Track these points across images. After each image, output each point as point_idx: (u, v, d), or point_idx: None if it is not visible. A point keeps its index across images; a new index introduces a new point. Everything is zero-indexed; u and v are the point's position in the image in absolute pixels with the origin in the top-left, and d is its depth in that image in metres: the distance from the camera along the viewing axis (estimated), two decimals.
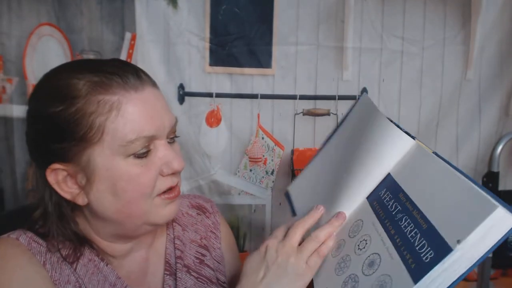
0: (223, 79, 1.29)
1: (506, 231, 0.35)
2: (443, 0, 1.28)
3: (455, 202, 0.41)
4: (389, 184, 0.54)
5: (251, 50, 1.27)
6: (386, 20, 1.28)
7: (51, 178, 0.56)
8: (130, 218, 0.58)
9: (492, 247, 0.36)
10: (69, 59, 1.26)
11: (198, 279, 0.69)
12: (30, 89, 1.27)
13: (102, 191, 0.56)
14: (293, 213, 0.72)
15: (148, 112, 0.56)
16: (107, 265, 0.60)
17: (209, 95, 1.29)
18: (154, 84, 0.60)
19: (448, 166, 0.46)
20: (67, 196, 0.57)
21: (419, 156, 0.52)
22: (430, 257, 0.39)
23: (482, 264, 1.27)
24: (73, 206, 0.59)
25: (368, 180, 0.57)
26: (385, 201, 0.52)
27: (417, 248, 0.41)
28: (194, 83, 1.28)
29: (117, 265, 0.63)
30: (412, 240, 0.43)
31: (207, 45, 1.26)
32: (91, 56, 1.26)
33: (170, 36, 1.25)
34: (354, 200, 0.58)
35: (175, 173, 0.60)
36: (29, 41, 1.26)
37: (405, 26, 1.28)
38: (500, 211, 0.35)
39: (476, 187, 0.40)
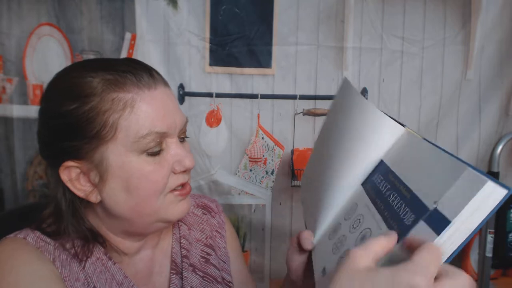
0: (223, 79, 1.29)
1: (496, 203, 0.38)
2: (443, 0, 1.28)
3: (429, 169, 0.45)
4: (382, 169, 0.56)
5: (251, 50, 1.27)
6: (386, 20, 1.28)
7: (64, 175, 0.56)
8: (143, 215, 0.59)
9: (485, 218, 0.38)
10: (69, 59, 1.26)
11: (204, 278, 0.69)
12: (30, 89, 1.27)
13: (115, 189, 0.56)
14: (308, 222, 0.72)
15: (161, 110, 0.57)
16: (114, 264, 0.61)
17: (209, 95, 1.29)
18: (166, 83, 0.61)
19: (438, 148, 0.49)
20: (81, 193, 0.57)
21: (409, 141, 0.55)
22: (411, 220, 0.42)
23: (482, 264, 1.27)
24: (85, 204, 0.59)
25: (361, 168, 0.59)
26: (377, 183, 0.55)
27: (401, 215, 0.45)
28: (194, 83, 1.29)
29: (124, 264, 0.63)
30: (398, 211, 0.46)
31: (207, 45, 1.26)
32: (91, 56, 1.26)
33: (170, 36, 1.26)
34: (348, 188, 0.60)
35: (186, 171, 0.61)
36: (29, 41, 1.26)
37: (405, 26, 1.29)
38: (490, 184, 0.37)
39: (451, 156, 0.43)
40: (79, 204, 0.59)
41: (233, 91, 1.30)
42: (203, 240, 0.73)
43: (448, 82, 1.31)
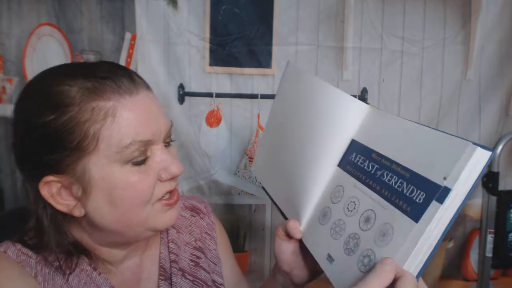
0: (223, 79, 1.29)
1: (484, 164, 0.43)
2: (443, 0, 1.28)
3: (429, 149, 0.47)
4: (357, 148, 0.57)
5: (251, 50, 1.27)
6: (386, 20, 1.28)
7: (44, 191, 0.53)
8: (130, 226, 0.56)
9: (476, 180, 0.43)
10: (69, 59, 1.26)
11: (194, 282, 0.68)
12: None
13: (99, 202, 0.54)
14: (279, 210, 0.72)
15: (144, 117, 0.54)
16: (99, 275, 0.59)
17: (209, 95, 1.29)
18: (148, 87, 0.58)
19: (411, 121, 0.52)
20: (63, 208, 0.54)
21: (380, 118, 0.56)
22: (423, 198, 0.45)
23: (482, 264, 1.27)
24: (69, 217, 0.57)
25: (332, 150, 0.59)
26: (359, 163, 0.56)
27: (407, 194, 0.47)
28: (194, 83, 1.29)
29: (111, 274, 0.61)
30: (400, 189, 0.48)
31: (207, 45, 1.26)
32: (91, 56, 1.26)
33: (170, 36, 1.25)
34: (324, 171, 0.60)
35: (173, 178, 0.58)
36: (29, 41, 1.26)
37: (405, 26, 1.28)
38: (480, 149, 0.42)
39: (445, 133, 0.47)
40: (61, 219, 0.56)
41: (233, 91, 1.30)
42: (192, 243, 0.72)
43: (448, 82, 1.31)
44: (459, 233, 1.38)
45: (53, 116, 0.51)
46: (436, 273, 1.35)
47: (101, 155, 0.52)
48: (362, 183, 0.54)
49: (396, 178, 0.49)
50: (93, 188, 0.53)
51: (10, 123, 0.57)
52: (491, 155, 0.43)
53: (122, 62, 1.24)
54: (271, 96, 1.30)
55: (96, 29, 1.25)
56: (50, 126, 0.52)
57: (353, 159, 0.57)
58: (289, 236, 0.63)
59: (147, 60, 1.24)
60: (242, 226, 1.35)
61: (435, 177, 0.44)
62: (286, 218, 0.67)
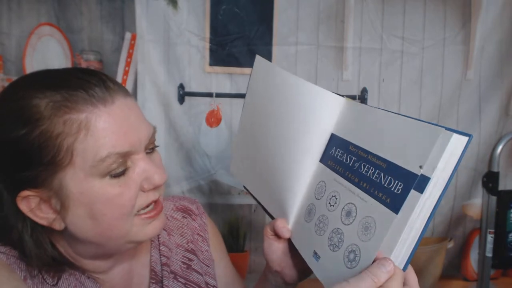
0: (223, 79, 1.29)
1: (462, 150, 0.42)
2: (443, 0, 1.28)
3: (403, 137, 0.46)
4: (337, 142, 0.57)
5: (251, 50, 1.27)
6: (386, 20, 1.28)
7: (23, 206, 0.52)
8: (112, 239, 0.54)
9: (456, 166, 0.42)
10: (69, 59, 1.26)
11: (186, 285, 0.66)
12: None
13: (79, 216, 0.52)
14: (264, 210, 0.72)
15: (121, 128, 0.51)
16: (89, 278, 0.57)
17: (209, 95, 1.29)
18: (125, 93, 0.55)
19: (387, 111, 0.51)
20: (43, 222, 0.53)
21: (356, 110, 0.56)
22: (401, 188, 0.44)
23: (482, 264, 1.27)
24: (50, 229, 0.54)
25: (313, 146, 0.59)
26: (338, 157, 0.56)
27: (385, 185, 0.46)
28: (194, 83, 1.28)
29: (100, 280, 0.60)
30: (378, 181, 0.48)
31: (207, 45, 1.26)
32: (91, 56, 1.26)
33: (170, 36, 1.25)
34: (307, 168, 0.59)
35: (156, 188, 0.56)
36: (29, 41, 1.26)
37: (405, 26, 1.28)
38: (456, 136, 0.41)
39: (419, 121, 0.46)
40: (41, 232, 0.54)
41: (233, 91, 1.30)
42: (184, 245, 0.70)
43: (448, 82, 1.31)
44: (459, 233, 1.38)
45: (24, 131, 0.49)
46: (436, 273, 1.35)
47: (77, 169, 0.50)
48: (342, 177, 0.53)
49: (374, 169, 0.49)
50: (72, 203, 0.51)
51: None
52: (469, 139, 0.42)
53: (122, 62, 1.24)
54: None
55: (96, 29, 1.25)
56: (21, 142, 0.49)
57: (333, 153, 0.57)
58: (277, 235, 0.63)
59: (147, 60, 1.24)
60: (242, 226, 1.35)
61: (411, 166, 0.44)
62: (273, 218, 0.66)
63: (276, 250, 0.64)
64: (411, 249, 0.45)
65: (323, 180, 0.57)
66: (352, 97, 1.30)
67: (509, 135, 1.24)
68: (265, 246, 0.65)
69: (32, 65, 1.27)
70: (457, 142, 0.42)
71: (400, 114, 0.49)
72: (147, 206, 0.56)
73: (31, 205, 0.52)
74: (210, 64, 1.28)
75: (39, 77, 0.55)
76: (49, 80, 0.53)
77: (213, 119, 1.30)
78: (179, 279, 0.66)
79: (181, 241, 0.71)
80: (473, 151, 1.34)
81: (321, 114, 0.58)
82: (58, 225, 0.53)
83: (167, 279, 0.64)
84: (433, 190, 0.43)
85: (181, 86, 1.28)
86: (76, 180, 0.50)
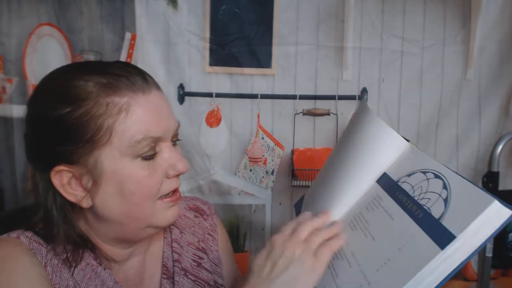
0: (223, 79, 1.29)
1: (501, 223, 0.39)
2: (443, 0, 1.28)
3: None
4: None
5: (251, 50, 1.27)
6: (386, 20, 1.28)
7: (56, 180, 0.55)
8: (135, 220, 0.58)
9: (489, 237, 0.39)
10: (69, 59, 1.26)
11: (196, 282, 0.68)
12: (30, 89, 1.27)
13: (109, 194, 0.55)
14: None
15: (156, 115, 0.56)
16: (104, 270, 0.59)
17: (209, 95, 1.29)
18: (159, 87, 0.60)
19: (444, 166, 0.50)
20: (72, 198, 0.56)
21: (413, 156, 0.56)
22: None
23: (482, 264, 1.27)
24: (76, 209, 0.58)
25: (364, 178, 0.59)
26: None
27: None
28: (194, 83, 1.29)
29: (115, 270, 0.62)
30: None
31: (207, 45, 1.26)
32: (91, 56, 1.26)
33: (170, 36, 1.26)
34: (351, 197, 0.59)
35: (178, 175, 0.60)
36: (29, 41, 1.26)
37: (405, 26, 1.29)
38: (497, 204, 0.39)
39: (470, 183, 0.44)
40: (69, 209, 0.57)
41: (233, 91, 1.30)
42: (195, 244, 0.72)
43: (448, 82, 1.31)
44: None
45: (69, 109, 0.53)
46: None
47: (113, 148, 0.54)
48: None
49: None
50: (104, 180, 0.55)
51: (24, 118, 0.58)
52: (511, 215, 0.39)
53: None
54: (271, 96, 1.30)
55: (96, 29, 1.26)
56: (65, 119, 0.53)
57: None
58: None
59: (147, 60, 1.24)
60: (242, 226, 1.35)
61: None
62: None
63: None
64: None
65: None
66: (352, 97, 1.30)
67: (509, 135, 1.24)
68: None
69: (32, 65, 1.27)
70: (498, 212, 0.39)
71: (456, 173, 0.47)
72: (168, 193, 0.59)
73: (63, 180, 0.55)
74: (210, 64, 1.28)
75: (85, 64, 0.60)
76: (94, 66, 0.57)
77: (213, 119, 1.30)
78: (189, 276, 0.68)
79: (193, 239, 0.73)
80: (473, 151, 1.34)
81: (381, 152, 0.59)
82: (86, 203, 0.56)
83: (178, 275, 0.66)
84: (456, 251, 0.40)
85: (181, 86, 1.28)
86: (111, 159, 0.54)
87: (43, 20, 1.26)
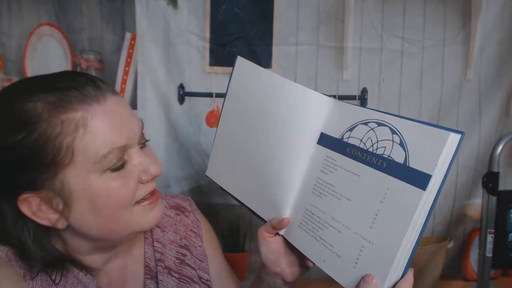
0: (223, 79, 1.29)
1: (455, 147, 0.44)
2: (443, 0, 1.28)
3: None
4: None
5: (251, 50, 1.27)
6: (386, 20, 1.28)
7: (24, 208, 0.52)
8: (114, 232, 0.56)
9: (451, 163, 0.45)
10: (69, 59, 1.26)
11: (180, 280, 0.68)
12: None
13: (82, 212, 0.53)
14: (252, 212, 0.72)
15: (116, 123, 0.54)
16: (86, 275, 0.58)
17: (209, 95, 1.29)
18: (113, 91, 0.57)
19: (372, 109, 0.53)
20: (46, 222, 0.54)
21: (343, 110, 0.58)
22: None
23: (482, 264, 1.27)
24: (50, 230, 0.56)
25: (304, 146, 0.59)
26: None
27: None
28: (194, 83, 1.29)
29: (97, 275, 0.61)
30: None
31: (207, 45, 1.26)
32: (91, 56, 1.26)
33: (170, 36, 1.25)
34: (298, 167, 0.60)
35: (153, 178, 0.59)
36: (29, 41, 1.26)
37: (405, 26, 1.28)
38: (453, 135, 0.43)
39: (414, 121, 0.48)
40: (44, 234, 0.55)
41: None
42: (178, 241, 0.72)
43: (448, 82, 1.31)
44: (459, 233, 1.38)
45: (22, 135, 0.50)
46: (436, 273, 1.35)
47: (78, 166, 0.51)
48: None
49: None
50: (75, 200, 0.53)
51: None
52: (462, 136, 0.44)
53: (122, 62, 1.24)
54: None
55: (96, 29, 1.25)
56: (20, 146, 0.50)
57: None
58: (275, 233, 0.64)
59: (147, 60, 1.24)
60: (242, 226, 1.35)
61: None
62: (262, 219, 0.67)
63: (275, 251, 0.65)
64: (412, 248, 0.46)
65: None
66: (352, 97, 1.30)
67: (509, 135, 1.24)
68: (262, 249, 0.66)
69: (32, 65, 1.27)
70: (453, 140, 0.44)
71: (392, 114, 0.51)
72: (145, 196, 0.58)
73: (32, 207, 0.53)
74: (210, 64, 1.28)
75: (30, 82, 0.56)
76: (40, 83, 0.54)
77: (213, 119, 1.30)
78: (173, 274, 0.67)
79: (175, 237, 0.72)
80: (473, 151, 1.34)
81: (309, 114, 0.60)
82: (61, 224, 0.54)
83: (161, 274, 0.66)
84: (433, 187, 0.45)
85: (181, 86, 1.28)
86: (77, 178, 0.52)
87: (43, 20, 1.26)
